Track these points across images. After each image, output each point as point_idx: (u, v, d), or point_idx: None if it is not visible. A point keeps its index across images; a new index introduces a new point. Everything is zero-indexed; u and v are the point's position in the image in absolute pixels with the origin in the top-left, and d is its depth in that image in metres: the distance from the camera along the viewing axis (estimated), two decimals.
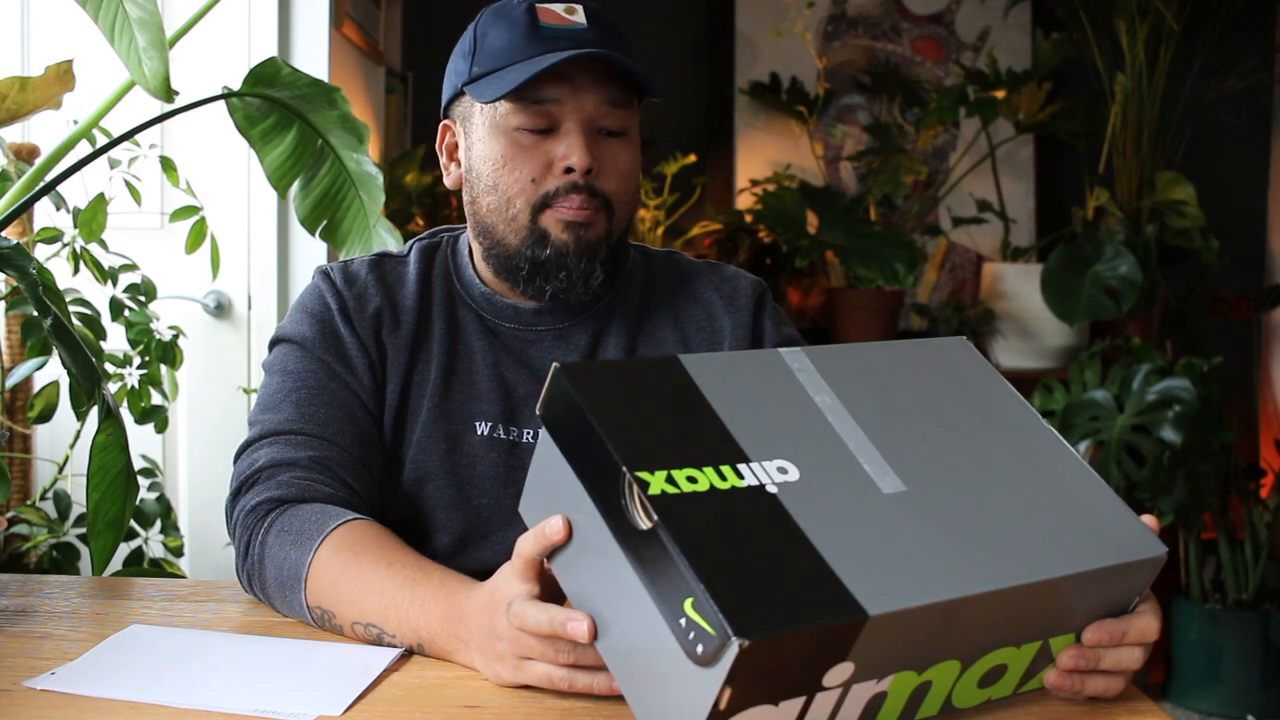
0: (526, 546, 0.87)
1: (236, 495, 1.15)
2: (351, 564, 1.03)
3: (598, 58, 1.15)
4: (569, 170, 1.16)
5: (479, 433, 1.22)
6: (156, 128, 1.69)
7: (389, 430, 1.22)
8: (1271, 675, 2.85)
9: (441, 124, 1.28)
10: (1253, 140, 3.49)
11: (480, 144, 1.21)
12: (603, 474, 0.80)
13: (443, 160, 1.28)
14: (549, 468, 0.85)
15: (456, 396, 1.23)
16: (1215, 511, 2.89)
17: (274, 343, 1.25)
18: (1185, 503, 2.78)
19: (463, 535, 1.21)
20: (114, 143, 1.55)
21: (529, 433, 1.22)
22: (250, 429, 1.19)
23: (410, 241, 1.33)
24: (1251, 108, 3.35)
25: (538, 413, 0.86)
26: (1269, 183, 3.54)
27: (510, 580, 0.89)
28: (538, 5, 1.18)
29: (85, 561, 1.83)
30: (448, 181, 1.27)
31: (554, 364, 0.84)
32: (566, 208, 1.17)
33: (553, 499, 0.86)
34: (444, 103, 1.26)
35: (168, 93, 1.36)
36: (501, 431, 1.22)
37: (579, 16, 1.18)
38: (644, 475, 0.77)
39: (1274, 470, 3.06)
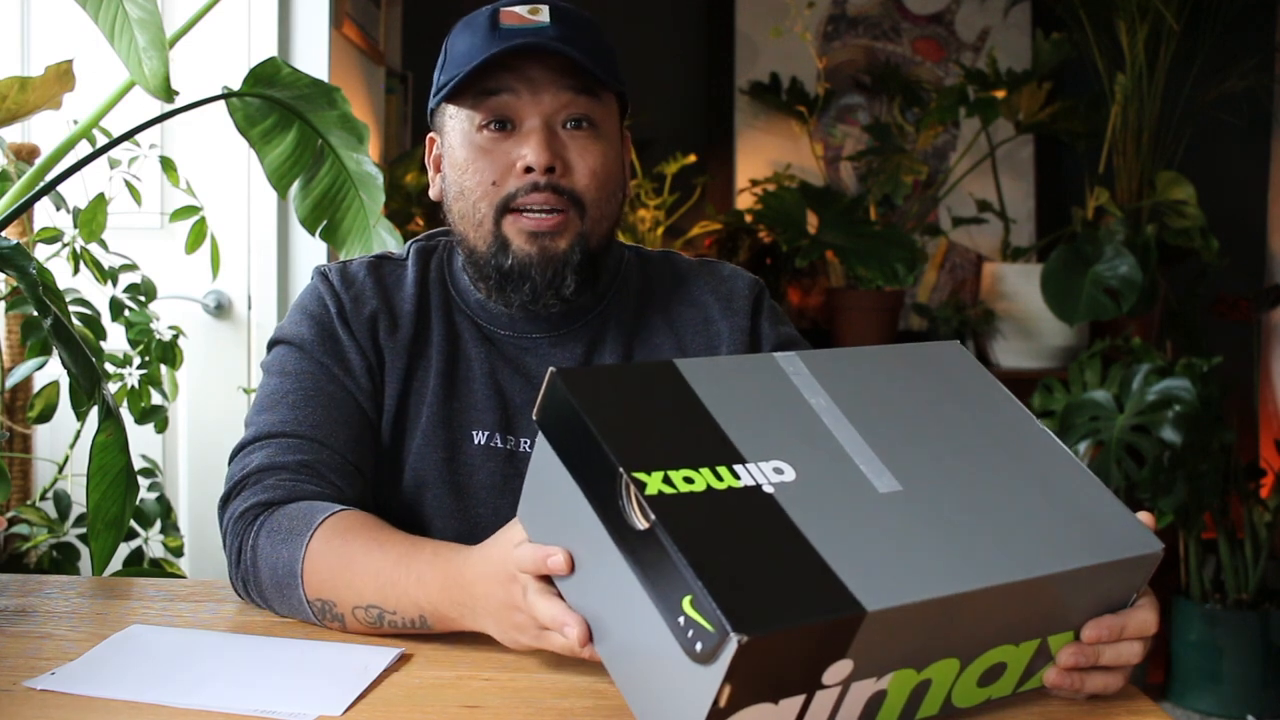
0: (526, 563, 0.87)
1: (226, 501, 1.14)
2: (343, 551, 1.03)
3: (537, 49, 1.13)
4: (529, 170, 1.14)
5: (476, 442, 1.21)
6: (156, 128, 1.69)
7: (387, 435, 1.22)
8: (1271, 675, 2.85)
9: (428, 136, 1.28)
10: (1253, 140, 3.49)
11: (451, 151, 1.20)
12: (599, 476, 0.80)
13: (430, 172, 1.27)
14: (546, 473, 0.86)
15: (455, 405, 1.22)
16: (1215, 511, 2.89)
17: (272, 344, 1.25)
18: (1185, 503, 2.78)
19: (461, 544, 1.20)
20: (114, 143, 1.55)
21: (526, 441, 1.21)
22: (246, 429, 1.19)
23: (409, 244, 1.32)
24: (1251, 108, 3.35)
25: (534, 418, 0.86)
26: (1269, 183, 3.53)
27: (520, 560, 0.87)
28: (502, 9, 1.16)
29: (85, 561, 1.83)
30: (432, 193, 1.26)
31: (550, 369, 0.84)
32: (529, 212, 1.15)
33: (550, 504, 0.86)
34: (428, 115, 1.26)
35: (168, 93, 1.36)
36: (499, 440, 1.21)
37: (542, 15, 1.15)
38: (640, 476, 0.77)
39: (1274, 470, 3.06)
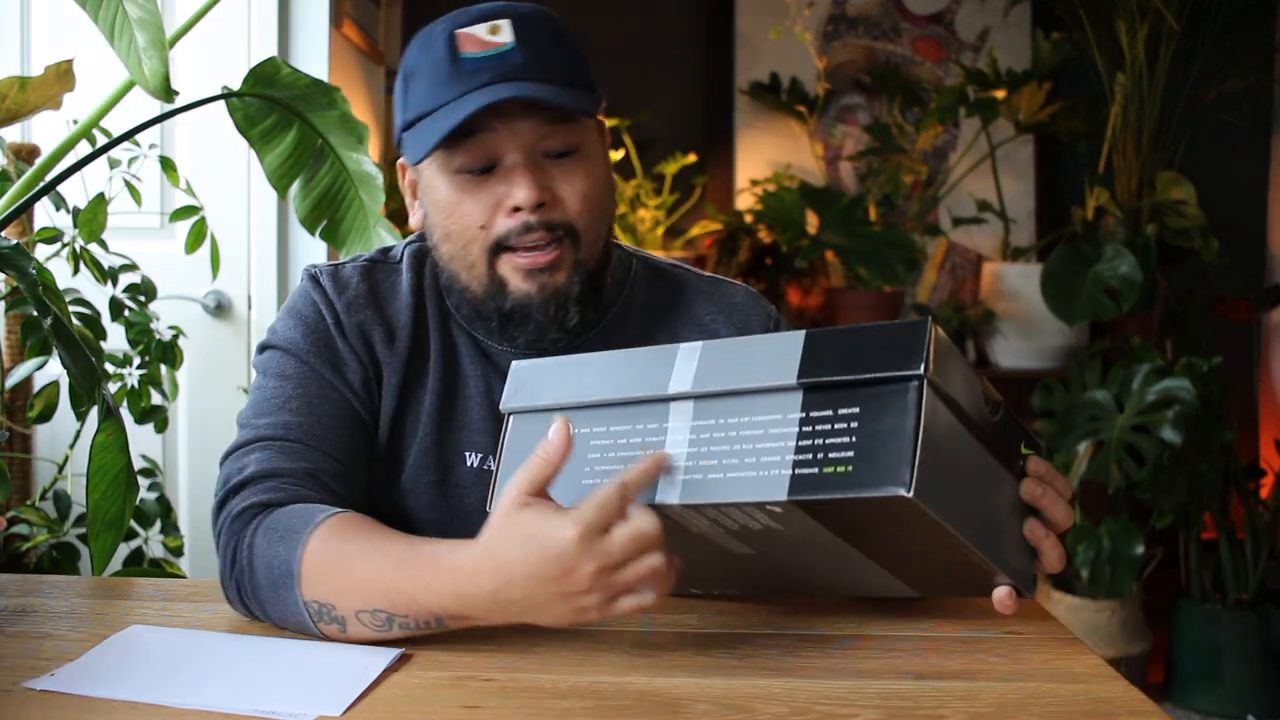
0: (538, 474, 0.88)
1: (223, 502, 1.09)
2: (343, 552, 0.99)
3: (508, 97, 1.05)
4: (517, 209, 1.09)
5: (468, 464, 1.17)
6: (156, 128, 1.69)
7: (381, 451, 1.18)
8: (1271, 675, 2.85)
9: (399, 163, 1.19)
10: (1253, 140, 3.49)
11: (430, 190, 1.14)
12: None
13: (407, 199, 1.20)
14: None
15: (449, 425, 1.18)
16: (1215, 511, 2.89)
17: (265, 346, 1.19)
18: (1185, 503, 2.78)
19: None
20: (114, 143, 1.55)
21: None
22: (240, 431, 1.14)
23: (401, 246, 1.25)
24: (1251, 108, 3.35)
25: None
26: (1269, 183, 3.54)
27: (565, 526, 0.86)
28: (458, 31, 1.09)
29: (85, 561, 1.83)
30: (412, 222, 1.20)
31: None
32: (524, 252, 1.10)
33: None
34: (396, 141, 1.16)
35: (168, 93, 1.36)
36: (491, 463, 1.17)
37: (504, 35, 1.08)
38: None
39: (1274, 470, 3.06)
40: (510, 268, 1.11)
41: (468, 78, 1.07)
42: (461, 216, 1.11)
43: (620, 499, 0.86)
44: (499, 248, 1.11)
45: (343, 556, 0.99)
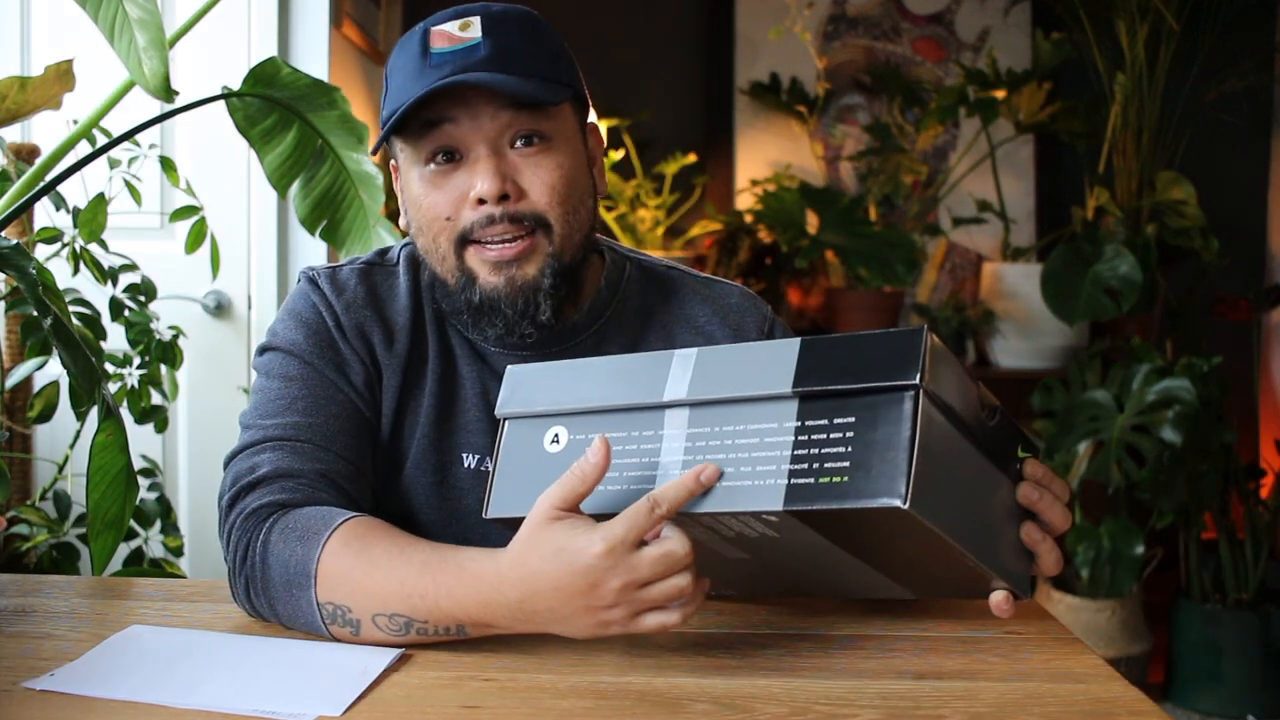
0: (571, 491, 0.88)
1: (236, 499, 1.08)
2: (364, 555, 0.98)
3: (464, 83, 1.06)
4: (482, 201, 1.09)
5: (465, 465, 1.17)
6: (156, 128, 1.70)
7: (383, 449, 1.18)
8: (1271, 675, 2.85)
9: (391, 164, 1.21)
10: (1253, 140, 3.49)
11: (406, 185, 1.15)
12: None
13: (400, 199, 1.20)
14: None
15: (446, 426, 1.18)
16: (1215, 511, 2.89)
17: (266, 348, 1.19)
18: (1185, 503, 2.78)
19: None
20: (114, 143, 1.55)
21: None
22: (246, 432, 1.13)
23: (398, 248, 1.25)
24: (1251, 108, 3.35)
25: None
26: (1269, 183, 3.54)
27: (593, 541, 0.87)
28: (432, 28, 1.10)
29: (85, 561, 1.83)
30: (401, 223, 1.20)
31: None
32: (492, 245, 1.10)
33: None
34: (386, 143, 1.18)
35: (168, 93, 1.36)
36: (488, 464, 1.17)
37: (473, 30, 1.09)
38: None
39: (1274, 470, 3.06)
40: (478, 260, 1.11)
41: (432, 71, 1.08)
42: (429, 209, 1.12)
43: (650, 514, 0.86)
44: (465, 240, 1.11)
45: (364, 559, 0.98)
